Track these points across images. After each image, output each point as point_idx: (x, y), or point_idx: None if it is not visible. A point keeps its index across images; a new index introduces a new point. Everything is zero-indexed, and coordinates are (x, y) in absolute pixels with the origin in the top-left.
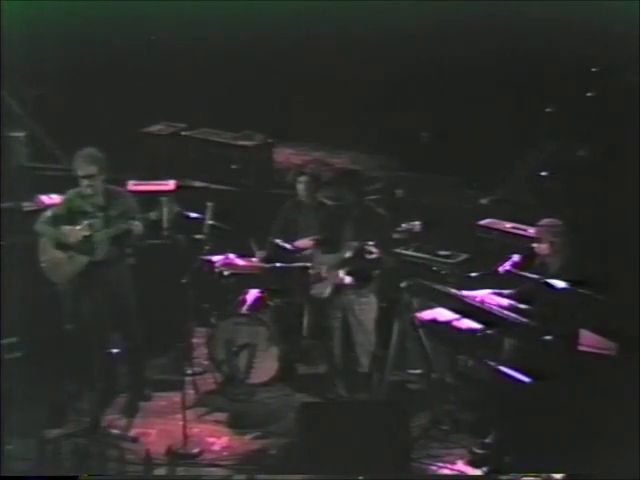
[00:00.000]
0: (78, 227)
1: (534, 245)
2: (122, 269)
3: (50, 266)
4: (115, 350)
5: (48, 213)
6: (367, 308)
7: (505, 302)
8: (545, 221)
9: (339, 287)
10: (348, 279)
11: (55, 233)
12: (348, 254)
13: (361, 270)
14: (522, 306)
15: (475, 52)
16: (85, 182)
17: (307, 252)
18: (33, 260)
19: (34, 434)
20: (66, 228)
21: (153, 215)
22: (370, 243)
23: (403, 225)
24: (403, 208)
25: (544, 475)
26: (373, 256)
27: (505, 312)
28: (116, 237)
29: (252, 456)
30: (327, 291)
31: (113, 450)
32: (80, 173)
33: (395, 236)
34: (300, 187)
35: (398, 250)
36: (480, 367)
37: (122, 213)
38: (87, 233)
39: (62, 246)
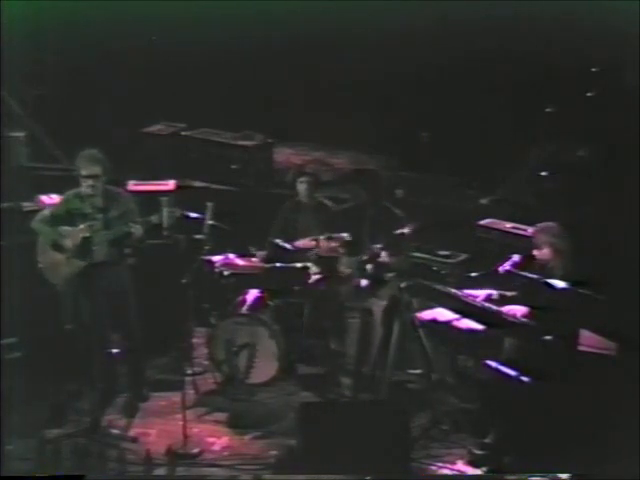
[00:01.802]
0: (77, 228)
1: (535, 252)
2: (121, 270)
3: (48, 267)
4: (115, 350)
5: (46, 212)
6: (381, 309)
7: (523, 309)
8: (541, 224)
9: (358, 289)
10: (364, 282)
11: (52, 233)
12: (365, 257)
13: (375, 273)
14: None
15: (475, 52)
16: (89, 182)
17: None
18: (33, 260)
19: (34, 434)
20: (65, 229)
21: (154, 219)
22: (378, 246)
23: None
24: (403, 208)
25: (550, 475)
26: (381, 259)
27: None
28: (115, 239)
29: (252, 456)
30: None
31: (113, 450)
32: (84, 172)
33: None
34: (300, 187)
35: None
36: (480, 367)
37: (122, 215)
38: (87, 234)
39: (60, 247)
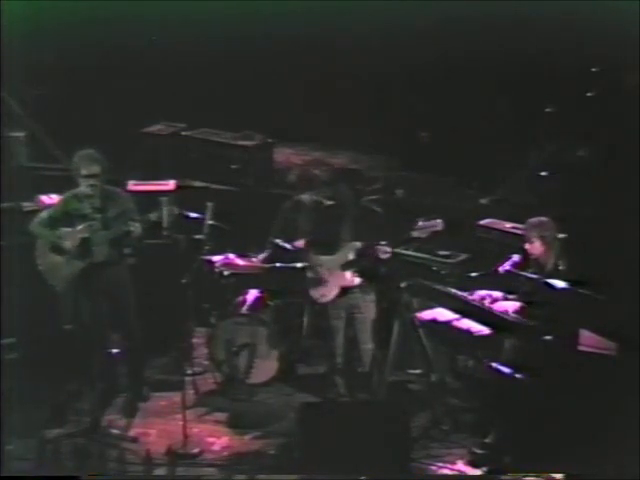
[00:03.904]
0: (76, 229)
1: (526, 246)
2: (121, 270)
3: (48, 269)
4: (115, 350)
5: (44, 214)
6: (373, 307)
7: (515, 305)
8: (532, 220)
9: (345, 289)
10: (357, 280)
11: (51, 235)
12: (352, 255)
13: (369, 270)
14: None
15: (475, 52)
16: (90, 181)
17: (305, 253)
18: (33, 260)
19: (34, 434)
20: (64, 230)
21: (153, 217)
22: (383, 243)
23: (420, 223)
24: (403, 208)
25: (545, 475)
26: (387, 256)
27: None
28: (115, 239)
29: (252, 456)
30: (333, 294)
31: (113, 450)
32: (85, 172)
33: (414, 234)
34: (299, 188)
35: (398, 250)
36: (480, 367)
37: (120, 214)
38: (85, 235)
39: (59, 249)
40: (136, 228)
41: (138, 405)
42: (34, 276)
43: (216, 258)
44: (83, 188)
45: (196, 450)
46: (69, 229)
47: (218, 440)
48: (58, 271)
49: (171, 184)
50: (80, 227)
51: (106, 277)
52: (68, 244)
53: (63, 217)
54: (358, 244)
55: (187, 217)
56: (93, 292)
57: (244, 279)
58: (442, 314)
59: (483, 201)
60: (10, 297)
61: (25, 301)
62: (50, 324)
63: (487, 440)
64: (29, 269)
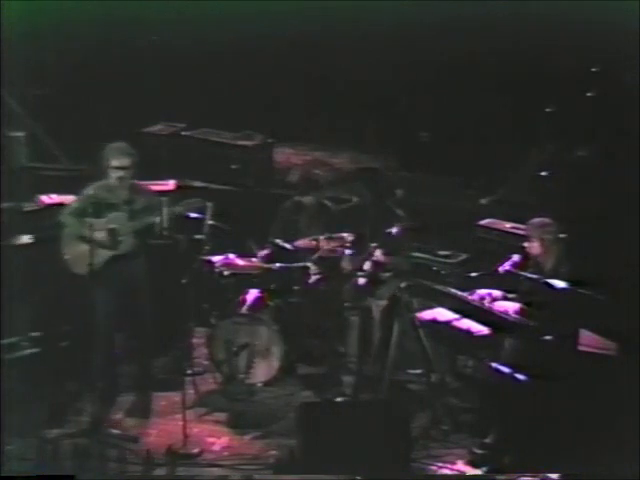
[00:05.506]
0: (104, 220)
1: (525, 244)
2: (141, 263)
3: (75, 259)
4: (120, 350)
5: (73, 204)
6: (384, 307)
7: (515, 306)
8: (534, 220)
9: (357, 287)
10: (362, 280)
11: (79, 225)
12: (365, 255)
13: (374, 272)
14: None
15: (475, 52)
16: (120, 173)
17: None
18: (33, 260)
19: (34, 434)
20: (92, 221)
21: (178, 209)
22: (373, 245)
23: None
24: (403, 208)
25: (541, 475)
26: (374, 258)
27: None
28: (140, 231)
29: (252, 456)
30: (349, 292)
31: (113, 450)
32: (115, 164)
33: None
34: (302, 189)
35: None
36: (480, 367)
37: (145, 208)
38: (114, 226)
39: (87, 239)
40: (162, 220)
41: (151, 405)
42: (34, 276)
43: (216, 258)
44: (112, 180)
45: (196, 450)
46: (97, 219)
47: (218, 440)
48: (85, 261)
49: (171, 184)
50: (108, 217)
51: (128, 269)
52: (96, 234)
53: (91, 207)
54: (373, 244)
55: (187, 217)
56: (116, 284)
57: (244, 279)
58: (442, 314)
59: (483, 201)
60: (10, 297)
61: (25, 301)
62: (50, 324)
63: (487, 440)
64: (29, 269)
